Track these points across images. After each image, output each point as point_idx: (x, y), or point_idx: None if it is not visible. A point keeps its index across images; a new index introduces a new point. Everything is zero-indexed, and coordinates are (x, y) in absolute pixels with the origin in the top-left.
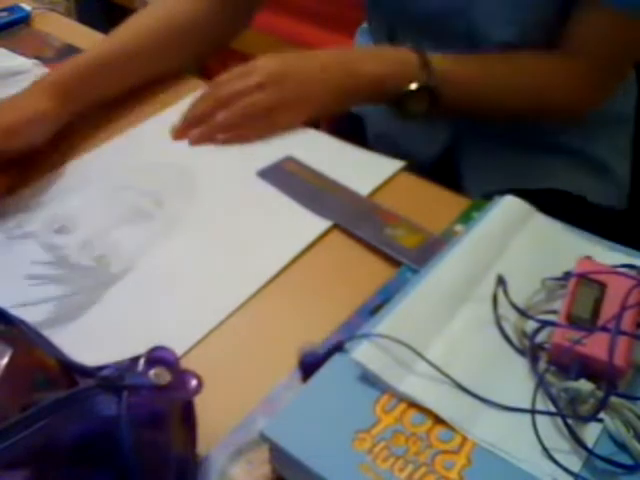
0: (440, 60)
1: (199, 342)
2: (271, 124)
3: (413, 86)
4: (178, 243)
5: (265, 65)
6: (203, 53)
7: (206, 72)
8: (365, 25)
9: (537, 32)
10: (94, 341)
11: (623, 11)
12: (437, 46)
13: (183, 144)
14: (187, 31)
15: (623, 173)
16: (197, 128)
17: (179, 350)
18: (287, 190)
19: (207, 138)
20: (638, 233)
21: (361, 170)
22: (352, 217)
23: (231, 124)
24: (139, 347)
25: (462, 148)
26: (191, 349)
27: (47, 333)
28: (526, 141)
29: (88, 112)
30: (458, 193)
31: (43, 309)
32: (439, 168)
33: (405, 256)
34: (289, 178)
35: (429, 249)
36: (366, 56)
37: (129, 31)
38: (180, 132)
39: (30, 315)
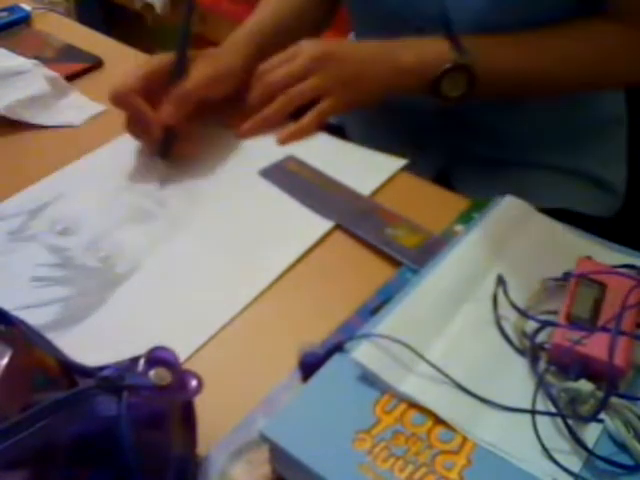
0: (472, 40)
1: (200, 345)
2: (318, 112)
3: (447, 65)
4: (181, 243)
5: (309, 49)
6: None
7: None
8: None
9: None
10: (101, 342)
11: None
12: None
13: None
14: (312, 12)
15: (618, 180)
16: (248, 122)
17: (186, 351)
18: (289, 189)
19: (258, 130)
20: (631, 238)
21: (363, 168)
22: (353, 217)
23: (282, 114)
24: (146, 348)
25: (455, 170)
26: (193, 352)
27: (54, 335)
28: (520, 161)
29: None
30: (458, 193)
31: (49, 311)
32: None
33: (405, 256)
34: (291, 177)
35: (429, 249)
36: (402, 45)
37: (284, 3)
38: (232, 124)
39: (37, 317)
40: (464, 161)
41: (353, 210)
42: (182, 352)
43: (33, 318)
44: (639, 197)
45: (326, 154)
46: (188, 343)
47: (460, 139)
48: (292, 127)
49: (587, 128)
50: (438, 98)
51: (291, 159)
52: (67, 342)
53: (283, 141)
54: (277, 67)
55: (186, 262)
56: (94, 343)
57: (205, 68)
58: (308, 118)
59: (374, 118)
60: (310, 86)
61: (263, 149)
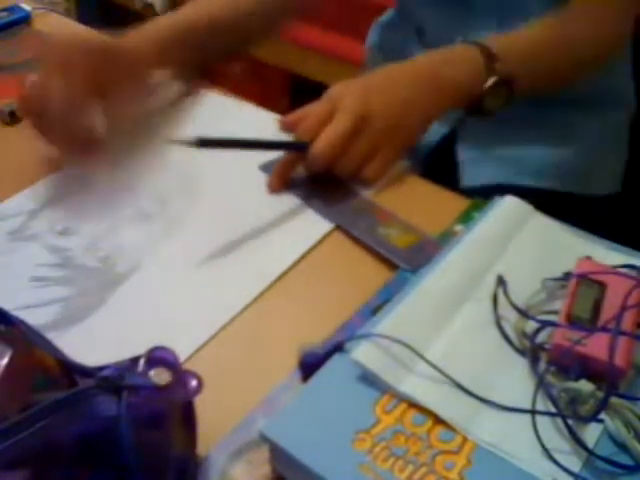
0: (500, 45)
1: (201, 344)
2: (378, 167)
3: (491, 81)
4: (181, 243)
5: (351, 105)
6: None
7: (206, 71)
8: (383, 19)
9: None
10: (101, 342)
11: None
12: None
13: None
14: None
15: (619, 159)
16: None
17: (186, 351)
18: (288, 185)
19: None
20: (630, 219)
21: None
22: (349, 215)
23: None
24: (146, 348)
25: (459, 137)
26: (193, 352)
27: (54, 335)
28: (521, 133)
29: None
30: (458, 193)
31: (50, 311)
32: (435, 156)
33: (396, 255)
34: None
35: (421, 250)
36: (438, 63)
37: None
38: (274, 185)
39: (37, 317)
40: (468, 128)
41: (350, 209)
42: (182, 352)
43: (33, 318)
44: (637, 181)
45: None
46: (188, 343)
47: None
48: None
49: (590, 107)
50: (479, 111)
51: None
52: (67, 342)
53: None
54: (315, 124)
55: (186, 262)
56: (94, 343)
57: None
58: (368, 174)
59: None
60: (362, 147)
61: (241, 166)
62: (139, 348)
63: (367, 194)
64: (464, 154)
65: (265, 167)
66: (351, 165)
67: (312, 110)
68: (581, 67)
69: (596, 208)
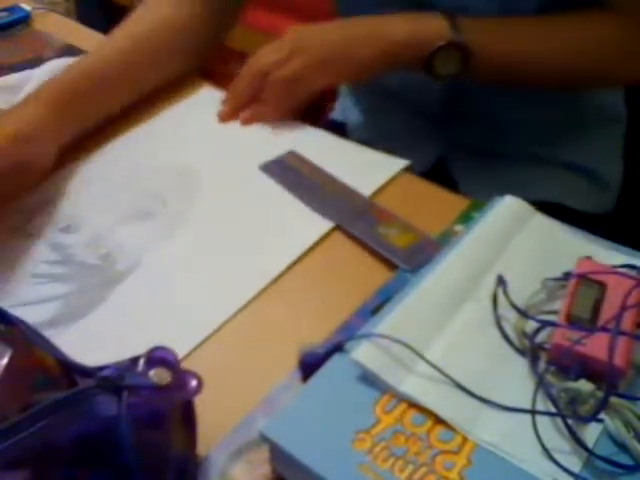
0: (469, 20)
1: (199, 342)
2: (306, 89)
3: (441, 42)
4: (181, 242)
5: (292, 37)
6: (200, 57)
7: (206, 72)
8: None
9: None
10: (100, 340)
11: None
12: None
13: (185, 143)
14: (183, 38)
15: (613, 177)
16: (244, 110)
17: (184, 349)
18: (288, 185)
19: (257, 117)
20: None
21: (364, 169)
22: (349, 215)
23: (274, 97)
24: (145, 346)
25: (454, 159)
26: (191, 349)
27: (53, 332)
28: (517, 153)
29: (86, 131)
30: (458, 193)
31: (49, 307)
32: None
33: (395, 255)
34: (291, 173)
35: (421, 250)
36: (394, 20)
37: (126, 40)
38: (227, 114)
39: (36, 314)
40: (463, 150)
41: (350, 208)
42: (180, 350)
43: (33, 315)
44: (634, 196)
45: (327, 153)
46: (186, 341)
47: (460, 128)
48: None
49: (585, 123)
50: (430, 75)
51: (292, 154)
52: (66, 339)
53: (245, 121)
54: (265, 56)
55: (186, 260)
56: (93, 340)
57: None
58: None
59: (376, 105)
60: (295, 65)
61: (264, 144)
62: (137, 346)
63: (367, 193)
64: (459, 175)
65: (265, 167)
66: (278, 83)
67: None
68: (558, 75)
69: (591, 223)
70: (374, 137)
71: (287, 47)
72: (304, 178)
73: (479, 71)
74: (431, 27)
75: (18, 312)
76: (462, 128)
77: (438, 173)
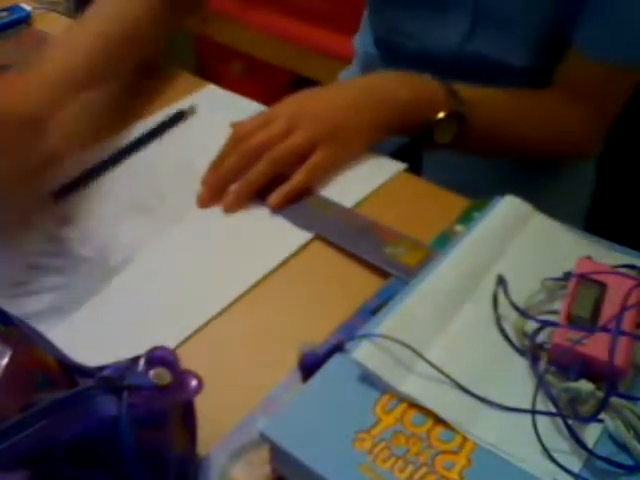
0: (465, 88)
1: (199, 342)
2: (309, 168)
3: (441, 114)
4: (178, 238)
5: (286, 108)
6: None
7: (206, 71)
8: (361, 32)
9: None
10: (93, 332)
11: (618, 64)
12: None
13: (185, 142)
14: (146, 25)
15: (580, 210)
16: (228, 193)
17: (175, 341)
18: (279, 210)
19: (242, 200)
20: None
21: (360, 172)
22: (351, 236)
23: (267, 176)
24: (134, 340)
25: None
26: (191, 349)
27: (47, 323)
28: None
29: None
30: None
31: (44, 299)
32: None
33: (412, 276)
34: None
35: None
36: (392, 82)
37: (91, 31)
38: (206, 198)
39: (31, 304)
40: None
41: (350, 229)
42: (169, 343)
43: (27, 306)
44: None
45: None
46: (175, 335)
47: None
48: (283, 188)
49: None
50: (424, 141)
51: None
52: (60, 331)
53: (275, 205)
54: (255, 132)
55: (182, 255)
56: (87, 333)
57: None
58: (301, 174)
59: None
60: (296, 141)
61: None
62: (131, 338)
63: (363, 196)
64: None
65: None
66: (276, 160)
67: (252, 118)
68: (530, 150)
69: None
70: None
71: (282, 121)
72: (301, 207)
73: (470, 141)
74: (432, 95)
75: (12, 303)
76: None
77: (407, 155)
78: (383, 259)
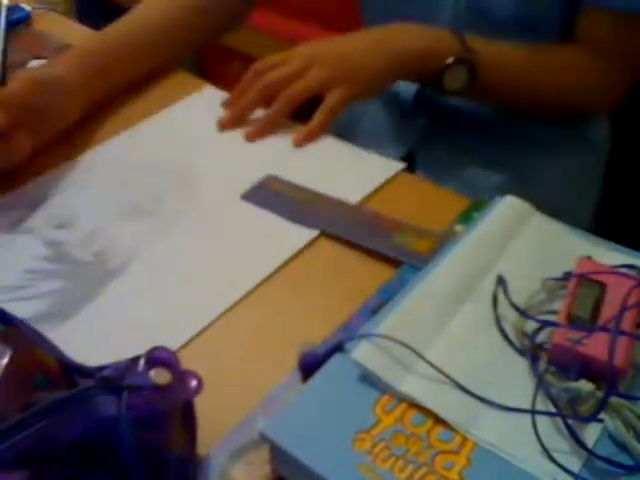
0: (479, 39)
1: (199, 342)
2: (326, 110)
3: (450, 59)
4: (177, 241)
5: (304, 50)
6: (200, 45)
7: (205, 71)
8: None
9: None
10: (91, 336)
11: (628, 13)
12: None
13: (185, 142)
14: (189, 23)
15: (585, 203)
16: (249, 126)
17: (175, 344)
18: (276, 210)
19: (261, 133)
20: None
21: (360, 171)
22: (358, 230)
23: (282, 115)
24: (135, 342)
25: (420, 155)
26: (191, 349)
27: (45, 327)
28: (486, 159)
29: (110, 96)
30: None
31: (41, 303)
32: None
33: (422, 262)
34: (276, 197)
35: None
36: (405, 32)
37: (135, 22)
38: (228, 123)
39: (28, 309)
40: (431, 145)
41: (354, 223)
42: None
43: (25, 309)
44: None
45: (323, 155)
46: (177, 337)
47: (433, 121)
48: (305, 128)
49: (553, 150)
50: (436, 88)
51: (271, 178)
52: (58, 335)
53: (298, 143)
54: (273, 69)
55: (180, 259)
56: (85, 336)
57: (26, 75)
58: (319, 116)
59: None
60: (314, 78)
61: (264, 144)
62: (130, 341)
63: (363, 195)
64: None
65: (247, 196)
66: (295, 97)
67: (274, 56)
68: (545, 102)
69: None
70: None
71: (300, 59)
72: (292, 200)
73: (481, 89)
74: (443, 43)
75: (10, 307)
76: (435, 120)
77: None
78: (395, 249)
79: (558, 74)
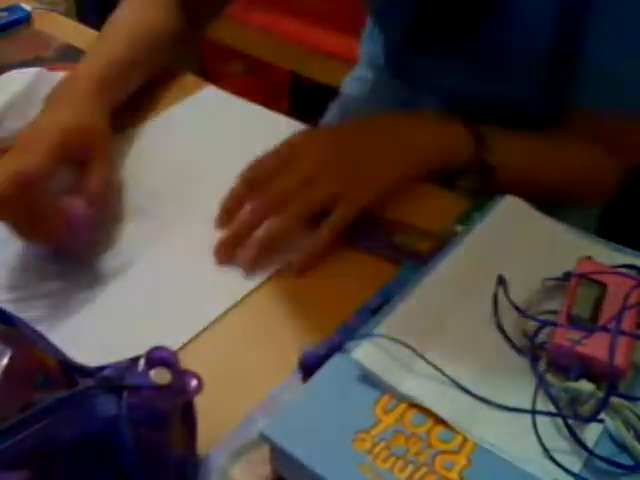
0: (495, 132)
1: (199, 342)
2: (331, 227)
3: (469, 163)
4: (177, 241)
5: (306, 151)
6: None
7: (206, 71)
8: (368, 31)
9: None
10: (91, 336)
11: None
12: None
13: (185, 143)
14: (167, 40)
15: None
16: (249, 249)
17: (175, 344)
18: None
19: (263, 255)
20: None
21: None
22: (356, 230)
23: (284, 233)
24: (135, 342)
25: None
26: (191, 349)
27: (45, 327)
28: None
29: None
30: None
31: (42, 304)
32: None
33: (423, 262)
34: None
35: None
36: (420, 129)
37: (121, 41)
38: (223, 256)
39: (28, 309)
40: None
41: (354, 224)
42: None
43: (25, 311)
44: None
45: None
46: (177, 337)
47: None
48: (307, 248)
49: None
50: (446, 182)
51: None
52: (58, 335)
53: (300, 269)
54: (274, 175)
55: (180, 259)
56: (85, 336)
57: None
58: (325, 234)
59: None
60: (318, 196)
61: (264, 144)
62: (129, 344)
63: None
64: None
65: None
66: (307, 213)
67: (269, 155)
68: (561, 194)
69: None
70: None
71: (303, 168)
72: None
73: (494, 185)
74: (461, 143)
75: (10, 307)
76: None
77: None
78: (393, 248)
79: (580, 179)
